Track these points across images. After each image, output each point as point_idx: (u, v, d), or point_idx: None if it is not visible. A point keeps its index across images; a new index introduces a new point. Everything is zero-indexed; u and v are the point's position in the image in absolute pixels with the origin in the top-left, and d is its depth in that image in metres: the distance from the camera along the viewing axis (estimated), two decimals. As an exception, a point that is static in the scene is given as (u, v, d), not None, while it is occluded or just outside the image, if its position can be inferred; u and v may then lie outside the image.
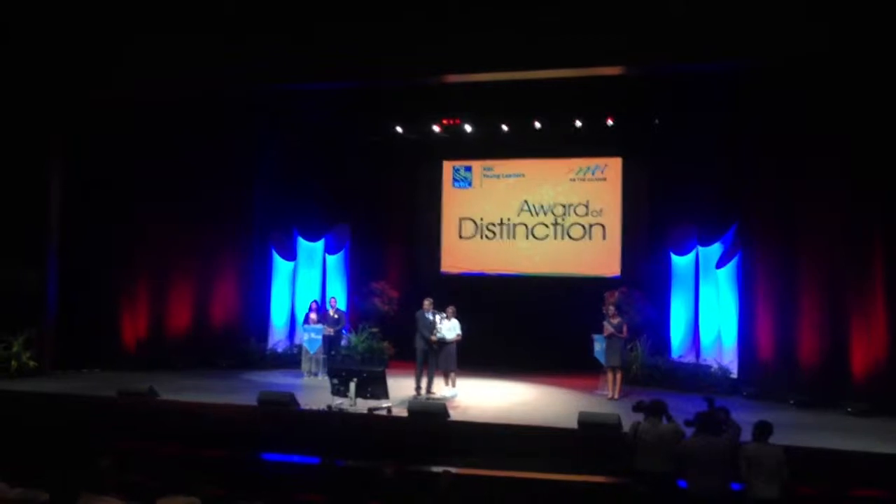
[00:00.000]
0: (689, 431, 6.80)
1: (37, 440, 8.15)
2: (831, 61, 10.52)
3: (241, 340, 14.42)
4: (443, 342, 11.56)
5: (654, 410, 6.92)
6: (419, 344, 11.63)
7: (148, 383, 10.69)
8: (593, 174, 15.33)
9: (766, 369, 11.85)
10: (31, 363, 12.60)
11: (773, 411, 10.38)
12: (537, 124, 14.21)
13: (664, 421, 6.89)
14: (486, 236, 15.95)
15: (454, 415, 9.68)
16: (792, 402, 11.16)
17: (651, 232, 14.59)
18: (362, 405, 9.83)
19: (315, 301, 13.92)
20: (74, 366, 13.15)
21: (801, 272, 11.45)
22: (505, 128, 14.56)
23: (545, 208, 15.56)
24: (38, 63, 12.22)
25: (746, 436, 6.80)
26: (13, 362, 12.41)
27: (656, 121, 13.90)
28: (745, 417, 7.40)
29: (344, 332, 14.14)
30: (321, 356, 13.08)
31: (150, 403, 10.30)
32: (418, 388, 11.61)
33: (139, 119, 13.34)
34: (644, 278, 14.27)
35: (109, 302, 13.82)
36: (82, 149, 13.40)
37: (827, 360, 11.12)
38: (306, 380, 12.84)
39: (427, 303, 11.77)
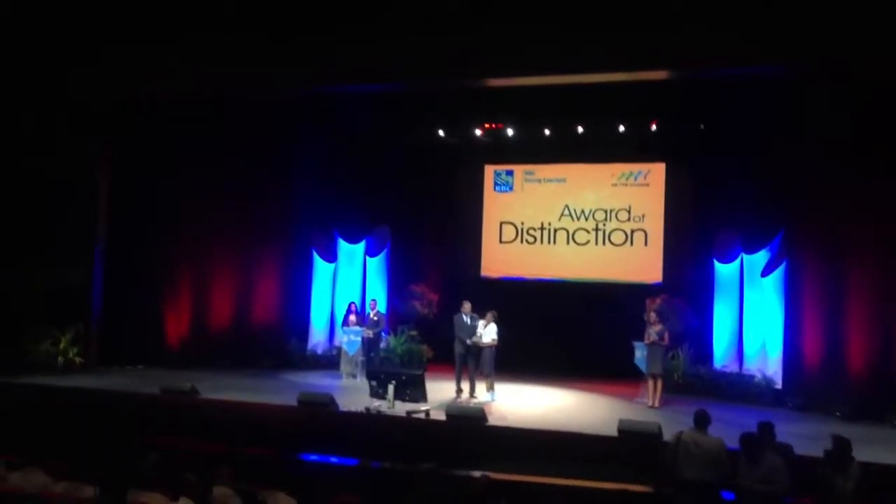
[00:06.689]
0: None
1: (82, 436, 8.30)
2: (883, 64, 10.29)
3: (282, 341, 14.58)
4: (479, 346, 11.52)
5: (701, 421, 6.84)
6: (457, 347, 11.63)
7: (190, 381, 10.85)
8: (636, 179, 15.17)
9: (811, 380, 11.61)
10: (78, 359, 12.86)
11: (819, 423, 10.20)
12: (580, 129, 14.07)
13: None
14: (527, 241, 15.88)
15: (492, 419, 9.64)
16: (838, 414, 10.92)
17: (694, 238, 14.34)
18: (400, 408, 9.83)
19: (353, 303, 13.90)
20: (119, 362, 13.41)
21: (850, 281, 11.22)
22: (547, 132, 14.44)
23: (586, 213, 15.43)
24: (90, 63, 12.47)
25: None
26: (60, 358, 12.68)
27: (701, 125, 13.66)
28: (790, 429, 7.25)
29: (383, 334, 14.16)
30: (360, 358, 13.11)
31: (192, 401, 10.43)
32: (459, 390, 11.60)
33: (184, 122, 13.61)
34: (686, 285, 14.04)
35: (154, 300, 14.12)
36: (130, 150, 13.69)
37: (875, 372, 10.88)
38: (345, 381, 12.89)
39: (466, 306, 11.75)
